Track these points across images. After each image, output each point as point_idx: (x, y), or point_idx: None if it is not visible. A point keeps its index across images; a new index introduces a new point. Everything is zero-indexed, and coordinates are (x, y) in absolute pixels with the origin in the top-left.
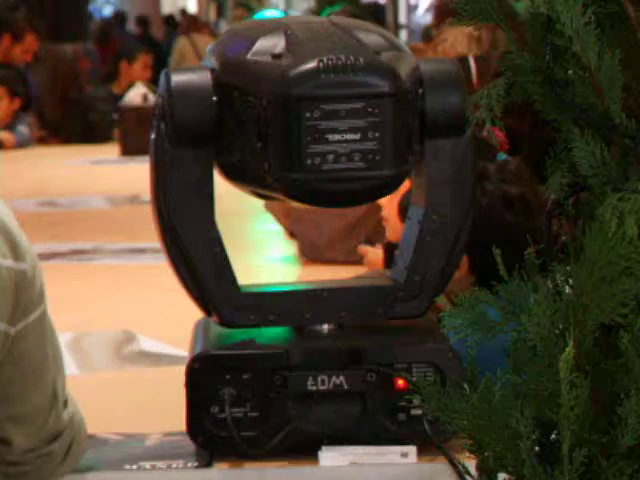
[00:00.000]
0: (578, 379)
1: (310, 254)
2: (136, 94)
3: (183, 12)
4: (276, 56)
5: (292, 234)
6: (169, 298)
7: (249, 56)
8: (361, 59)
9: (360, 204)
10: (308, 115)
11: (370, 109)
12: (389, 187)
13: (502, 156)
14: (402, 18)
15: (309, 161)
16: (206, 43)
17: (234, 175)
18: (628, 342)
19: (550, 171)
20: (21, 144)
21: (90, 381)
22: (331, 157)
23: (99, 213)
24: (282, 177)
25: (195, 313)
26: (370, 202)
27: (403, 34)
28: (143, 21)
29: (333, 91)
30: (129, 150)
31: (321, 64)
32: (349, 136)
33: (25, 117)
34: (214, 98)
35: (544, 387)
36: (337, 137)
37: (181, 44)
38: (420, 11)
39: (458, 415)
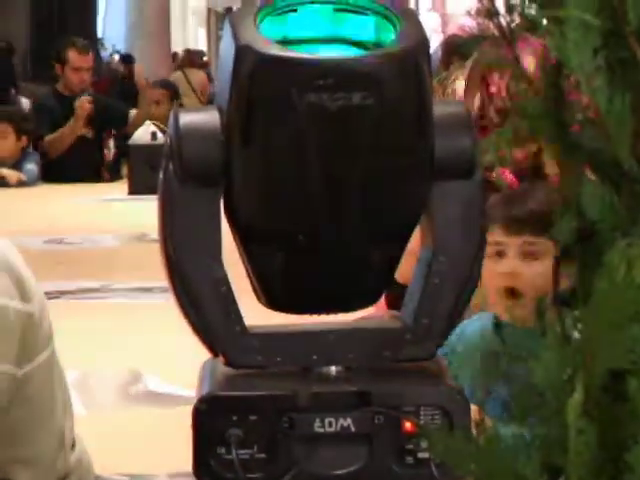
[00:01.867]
0: (585, 425)
1: None
2: (145, 132)
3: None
4: None
5: None
6: (176, 337)
7: None
8: None
9: None
10: None
11: None
12: None
13: None
14: None
15: None
16: (199, 77)
17: (234, 221)
18: (636, 388)
19: (558, 216)
20: (29, 182)
21: (97, 421)
22: None
23: (107, 251)
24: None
25: (202, 353)
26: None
27: None
28: (128, 58)
29: None
30: (137, 188)
31: None
32: None
33: (33, 155)
34: (222, 138)
35: (552, 432)
36: None
37: (176, 77)
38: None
39: (465, 459)
